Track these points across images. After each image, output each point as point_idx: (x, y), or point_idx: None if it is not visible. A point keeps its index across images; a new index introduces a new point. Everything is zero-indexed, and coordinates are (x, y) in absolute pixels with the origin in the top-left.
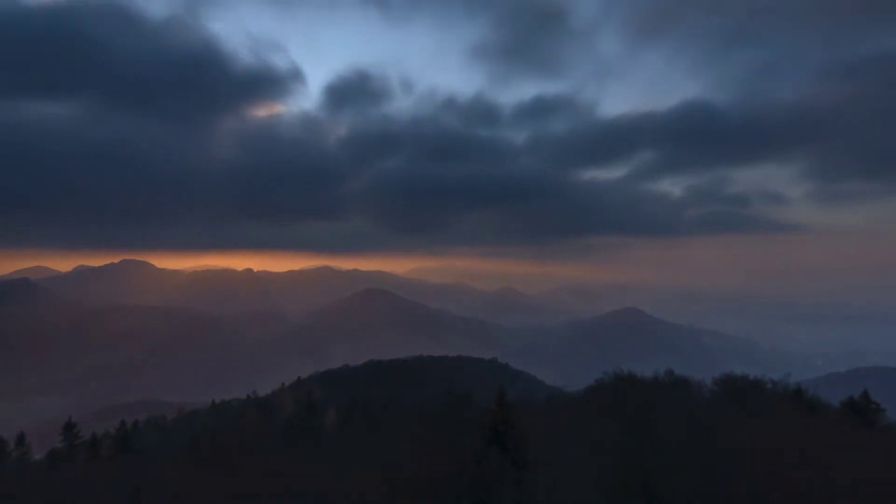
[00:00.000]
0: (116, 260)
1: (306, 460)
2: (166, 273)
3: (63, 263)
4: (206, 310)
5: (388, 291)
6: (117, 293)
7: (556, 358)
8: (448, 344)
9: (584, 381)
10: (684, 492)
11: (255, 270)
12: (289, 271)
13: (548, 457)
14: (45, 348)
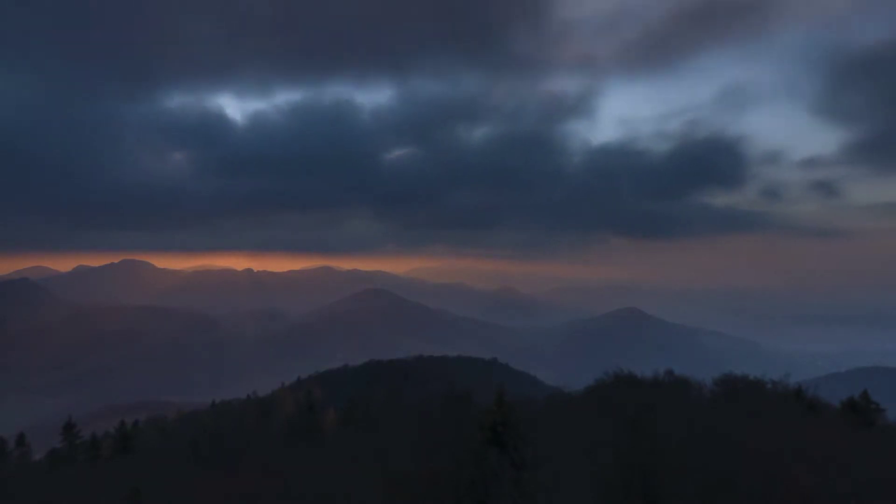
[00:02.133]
0: (116, 260)
1: (306, 460)
2: (166, 273)
3: (63, 263)
4: (206, 310)
5: (388, 291)
6: (117, 293)
7: (556, 358)
8: (448, 344)
9: (584, 381)
10: (684, 492)
11: (255, 270)
12: (289, 271)
13: (547, 457)
14: (45, 348)
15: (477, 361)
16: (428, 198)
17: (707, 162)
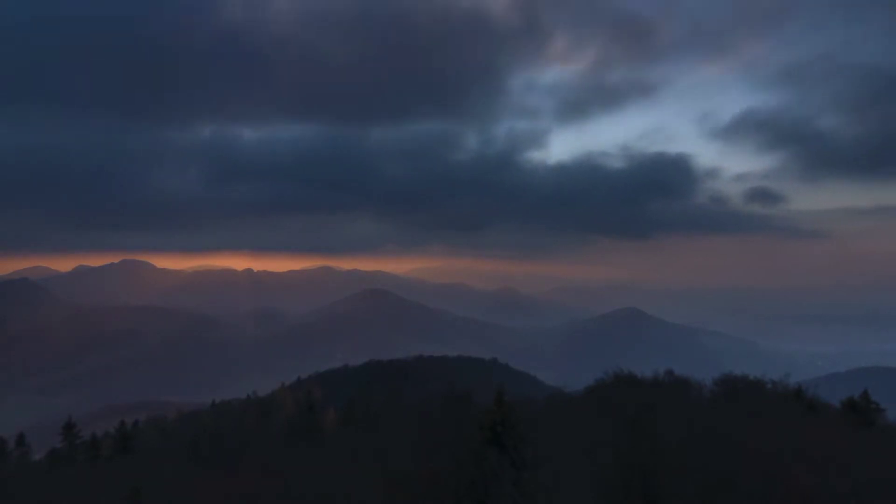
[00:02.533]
0: (116, 260)
1: (306, 460)
2: (166, 273)
3: (63, 263)
4: (206, 310)
5: (388, 291)
6: (117, 293)
7: (556, 358)
8: (448, 344)
9: (584, 381)
10: (684, 492)
11: (255, 270)
12: (289, 271)
13: (547, 457)
14: (45, 348)
15: (477, 361)
16: (426, 204)
17: (662, 174)
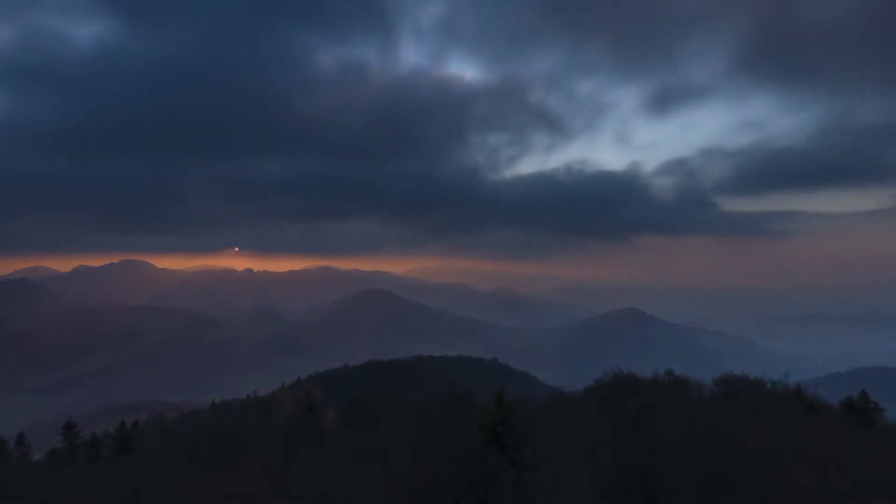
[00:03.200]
0: (116, 260)
1: (306, 460)
2: (166, 273)
3: (63, 263)
4: (206, 310)
5: (388, 291)
6: (117, 293)
7: (556, 358)
8: (448, 344)
9: (584, 381)
10: (684, 492)
11: (255, 270)
12: (289, 271)
13: (547, 457)
14: (45, 348)
15: (477, 361)
16: (420, 210)
17: (610, 187)
